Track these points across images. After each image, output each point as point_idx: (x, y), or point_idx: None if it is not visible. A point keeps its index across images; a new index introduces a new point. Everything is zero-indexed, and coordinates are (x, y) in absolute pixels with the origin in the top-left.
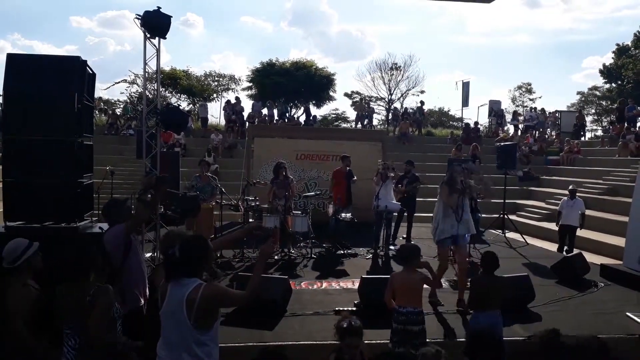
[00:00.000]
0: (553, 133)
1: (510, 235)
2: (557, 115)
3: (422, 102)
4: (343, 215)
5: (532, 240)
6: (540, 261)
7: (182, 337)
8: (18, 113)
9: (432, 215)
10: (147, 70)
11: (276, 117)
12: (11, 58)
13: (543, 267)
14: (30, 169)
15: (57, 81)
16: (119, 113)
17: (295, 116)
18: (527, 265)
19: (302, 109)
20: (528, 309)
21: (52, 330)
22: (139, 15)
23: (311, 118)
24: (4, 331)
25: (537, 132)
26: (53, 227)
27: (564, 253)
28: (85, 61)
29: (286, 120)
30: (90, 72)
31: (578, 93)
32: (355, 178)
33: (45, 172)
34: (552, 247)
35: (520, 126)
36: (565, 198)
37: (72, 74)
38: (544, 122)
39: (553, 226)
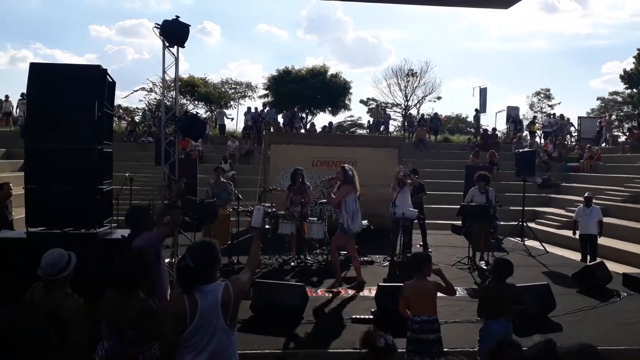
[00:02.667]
0: (572, 139)
1: (530, 243)
2: (569, 121)
3: (436, 113)
4: None
5: (551, 249)
6: (560, 270)
7: (219, 342)
8: (40, 121)
9: (446, 222)
10: (165, 78)
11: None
12: (34, 67)
13: (564, 276)
14: (52, 176)
15: (78, 90)
16: (137, 120)
17: (308, 124)
18: (547, 274)
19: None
20: (549, 318)
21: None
22: (158, 24)
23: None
24: (58, 343)
25: (556, 138)
26: (73, 233)
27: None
28: (106, 70)
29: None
30: (110, 80)
31: (598, 99)
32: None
33: (66, 179)
34: (573, 255)
35: (539, 132)
36: (581, 206)
37: (93, 82)
38: (563, 128)
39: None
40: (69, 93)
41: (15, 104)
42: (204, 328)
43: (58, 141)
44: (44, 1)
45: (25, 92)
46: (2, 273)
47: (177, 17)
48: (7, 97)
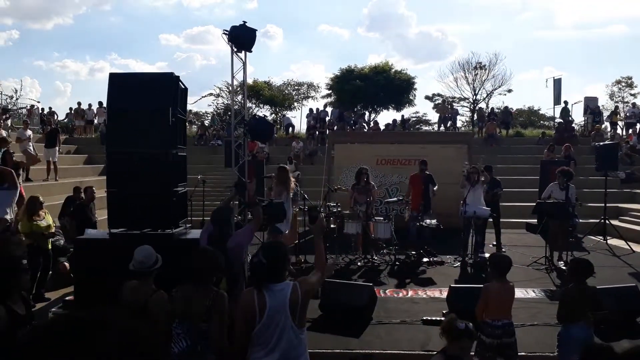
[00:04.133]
0: None
1: (613, 242)
2: None
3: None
4: (428, 221)
5: (638, 247)
6: None
7: (288, 341)
8: (120, 128)
9: (521, 220)
10: (233, 83)
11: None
12: (113, 77)
13: None
14: (130, 180)
15: (153, 97)
16: (207, 124)
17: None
18: (635, 275)
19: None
20: (637, 322)
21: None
22: (226, 30)
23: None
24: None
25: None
26: (151, 233)
27: None
28: (178, 77)
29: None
30: (183, 87)
31: None
32: (436, 187)
33: (144, 182)
34: None
35: (620, 123)
36: None
37: (167, 89)
38: None
39: None
40: (144, 100)
41: (95, 112)
42: (272, 326)
43: (136, 146)
44: (118, 14)
45: (102, 101)
46: (88, 270)
47: (244, 22)
48: (89, 105)
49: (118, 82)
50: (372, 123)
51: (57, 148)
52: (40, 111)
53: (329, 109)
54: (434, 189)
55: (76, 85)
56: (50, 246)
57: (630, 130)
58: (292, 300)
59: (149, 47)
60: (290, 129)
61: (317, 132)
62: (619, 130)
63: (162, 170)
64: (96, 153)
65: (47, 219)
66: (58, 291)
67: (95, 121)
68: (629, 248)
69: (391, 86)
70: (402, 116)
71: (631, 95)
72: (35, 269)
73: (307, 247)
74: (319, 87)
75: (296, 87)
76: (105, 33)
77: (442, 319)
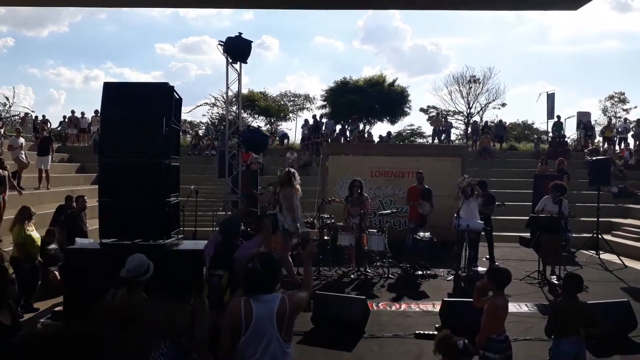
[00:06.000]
0: None
1: (606, 256)
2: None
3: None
4: (421, 234)
5: (630, 263)
6: None
7: (273, 354)
8: (113, 137)
9: (514, 234)
10: (228, 93)
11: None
12: (107, 86)
13: None
14: (123, 190)
15: (147, 107)
16: (201, 134)
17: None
18: (627, 290)
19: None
20: (629, 338)
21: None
22: (221, 42)
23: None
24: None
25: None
26: (142, 244)
27: None
28: (173, 87)
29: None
30: (177, 97)
31: None
32: (430, 208)
33: (136, 192)
34: None
35: (616, 138)
36: None
37: (161, 99)
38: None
39: None
40: (139, 110)
41: (89, 120)
42: (258, 338)
43: (129, 156)
44: (114, 23)
45: (97, 109)
46: (79, 280)
47: (240, 33)
48: (82, 114)
49: (112, 92)
50: (366, 135)
51: (49, 156)
52: (33, 119)
53: (324, 120)
54: (429, 209)
55: (70, 94)
56: (38, 258)
57: (623, 145)
58: (280, 311)
59: (145, 56)
60: (285, 140)
61: (310, 144)
62: (613, 145)
63: (154, 181)
64: (89, 162)
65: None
66: (47, 301)
67: (91, 129)
68: (621, 263)
69: (385, 98)
70: (389, 132)
71: (624, 110)
72: (23, 279)
73: (300, 258)
74: (314, 99)
75: (292, 99)
76: (101, 41)
77: (435, 333)
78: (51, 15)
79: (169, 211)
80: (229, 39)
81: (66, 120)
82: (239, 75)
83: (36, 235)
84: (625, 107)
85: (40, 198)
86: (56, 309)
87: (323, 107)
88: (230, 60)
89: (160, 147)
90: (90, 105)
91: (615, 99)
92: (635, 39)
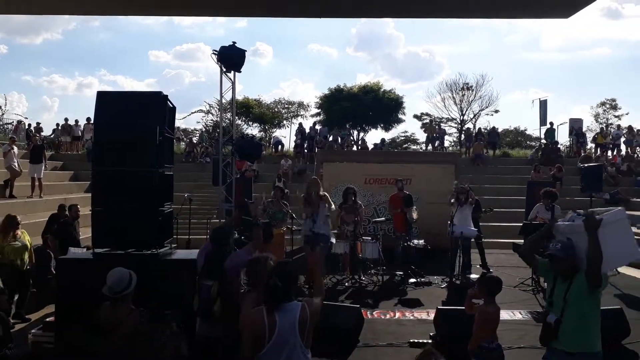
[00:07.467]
0: None
1: None
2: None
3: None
4: (415, 242)
5: (623, 269)
6: (634, 292)
7: None
8: (106, 146)
9: (508, 241)
10: (222, 102)
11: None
12: (101, 95)
13: (638, 299)
14: (116, 199)
15: (140, 116)
16: (195, 141)
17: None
18: (620, 297)
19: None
20: (622, 345)
21: None
22: (215, 50)
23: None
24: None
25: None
26: (135, 253)
27: None
28: (166, 96)
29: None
30: (171, 105)
31: None
32: (415, 213)
33: (130, 201)
34: None
35: (610, 145)
36: None
37: (155, 108)
38: (632, 140)
39: None
40: (132, 119)
41: (82, 128)
42: (282, 346)
43: (122, 165)
44: (108, 30)
45: (90, 117)
46: (71, 290)
47: (234, 42)
48: (76, 122)
49: (106, 101)
50: (360, 142)
51: (42, 164)
52: (27, 127)
53: (318, 127)
54: (414, 215)
55: (64, 101)
56: (27, 267)
57: (615, 152)
58: (302, 319)
59: (139, 64)
60: (280, 146)
61: (305, 150)
62: (606, 152)
63: (148, 190)
64: (82, 169)
65: (24, 239)
66: (39, 312)
67: (85, 137)
68: (614, 270)
69: (380, 105)
70: (383, 139)
71: (615, 117)
72: (12, 289)
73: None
74: (309, 106)
75: (286, 106)
76: (95, 49)
77: (430, 341)
78: (45, 23)
79: (163, 220)
80: (222, 48)
81: (59, 127)
82: (233, 84)
83: (17, 245)
84: (616, 113)
85: (33, 206)
86: (47, 319)
87: (317, 114)
88: (225, 69)
89: (154, 156)
90: (83, 112)
91: (607, 106)
92: (626, 45)
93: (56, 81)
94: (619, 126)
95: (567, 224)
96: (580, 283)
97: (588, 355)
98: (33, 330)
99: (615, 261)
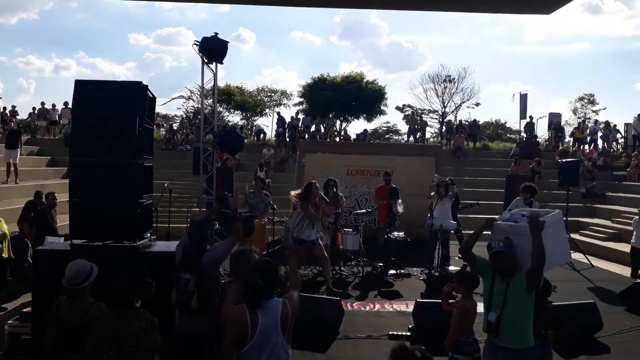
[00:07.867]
0: (619, 147)
1: (574, 256)
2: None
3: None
4: (395, 234)
5: (597, 262)
6: (607, 286)
7: (277, 358)
8: (84, 136)
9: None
10: (203, 93)
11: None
12: (79, 84)
13: (611, 293)
14: (94, 190)
15: (119, 106)
16: (175, 128)
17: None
18: (593, 290)
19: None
20: (595, 339)
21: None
22: (197, 41)
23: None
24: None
25: (608, 145)
26: (114, 245)
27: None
28: (146, 86)
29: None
30: (151, 95)
31: None
32: (400, 207)
33: (108, 192)
34: (620, 269)
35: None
36: (637, 217)
37: (134, 98)
38: (609, 135)
39: (621, 247)
40: (111, 109)
41: (60, 112)
42: (264, 343)
43: (101, 156)
44: (87, 11)
45: (68, 101)
46: (48, 282)
47: (216, 33)
48: (53, 106)
49: (84, 90)
50: (342, 132)
51: (18, 150)
52: (1, 110)
53: (300, 116)
54: (399, 208)
55: (40, 83)
56: (5, 254)
57: (592, 146)
58: (283, 316)
59: (118, 47)
60: (262, 135)
61: (287, 140)
62: (583, 146)
63: (127, 181)
64: (59, 155)
65: (2, 227)
66: (15, 302)
67: (62, 122)
68: (588, 262)
69: (362, 96)
70: (365, 130)
71: (593, 112)
72: None
73: (275, 256)
74: (291, 95)
75: (269, 94)
76: (73, 30)
77: (409, 334)
78: (21, 2)
79: (142, 212)
80: (204, 39)
81: (36, 112)
82: (215, 75)
83: None
84: (594, 108)
85: (9, 193)
86: (24, 310)
87: (300, 103)
88: (206, 60)
89: (133, 147)
90: (61, 95)
91: (585, 100)
92: (605, 40)
93: (32, 62)
94: (596, 121)
95: (509, 224)
96: (520, 282)
97: (528, 350)
98: (10, 321)
99: (553, 262)
